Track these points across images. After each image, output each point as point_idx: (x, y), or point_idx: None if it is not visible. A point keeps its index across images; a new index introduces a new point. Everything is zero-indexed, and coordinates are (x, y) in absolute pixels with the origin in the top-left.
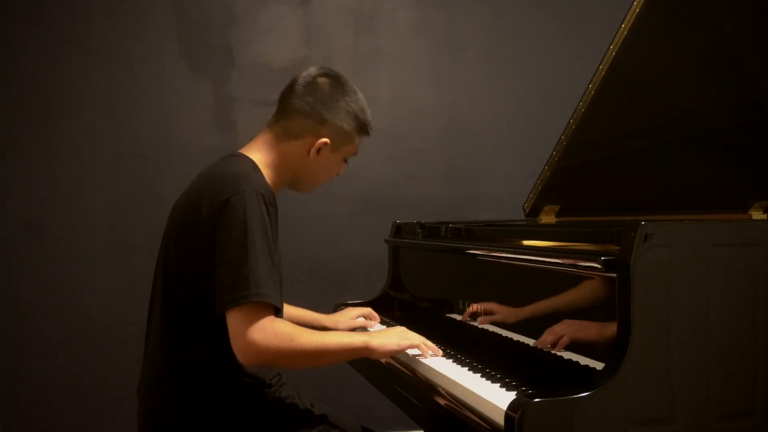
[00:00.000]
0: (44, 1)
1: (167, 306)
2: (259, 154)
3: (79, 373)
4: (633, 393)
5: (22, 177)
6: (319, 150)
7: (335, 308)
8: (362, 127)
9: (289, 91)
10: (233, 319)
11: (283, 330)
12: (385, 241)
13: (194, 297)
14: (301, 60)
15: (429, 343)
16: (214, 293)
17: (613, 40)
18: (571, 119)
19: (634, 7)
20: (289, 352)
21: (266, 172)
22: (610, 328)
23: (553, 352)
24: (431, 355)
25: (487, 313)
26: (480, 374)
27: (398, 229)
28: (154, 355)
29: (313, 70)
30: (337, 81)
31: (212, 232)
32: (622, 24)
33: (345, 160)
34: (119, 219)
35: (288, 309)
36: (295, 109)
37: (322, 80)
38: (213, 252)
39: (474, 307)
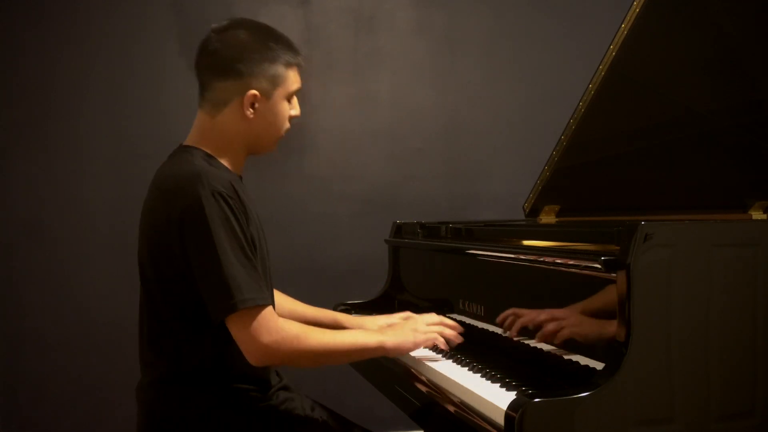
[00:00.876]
0: (44, 1)
1: (153, 312)
2: (202, 140)
3: (79, 373)
4: (633, 393)
5: (22, 177)
6: (253, 105)
7: (335, 308)
8: (288, 61)
9: (196, 64)
10: (234, 327)
11: (289, 330)
12: (385, 241)
13: (178, 304)
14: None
15: (447, 331)
16: (198, 300)
17: (613, 40)
18: (571, 119)
19: (634, 7)
20: (298, 353)
21: (219, 155)
22: (610, 328)
23: (553, 352)
24: (452, 345)
25: (487, 313)
26: (480, 374)
27: (398, 229)
28: (149, 360)
29: (213, 29)
30: (242, 27)
31: (179, 243)
32: (622, 24)
33: (289, 99)
34: (119, 219)
35: (307, 309)
36: (210, 75)
37: (225, 35)
38: (187, 262)
39: (485, 311)
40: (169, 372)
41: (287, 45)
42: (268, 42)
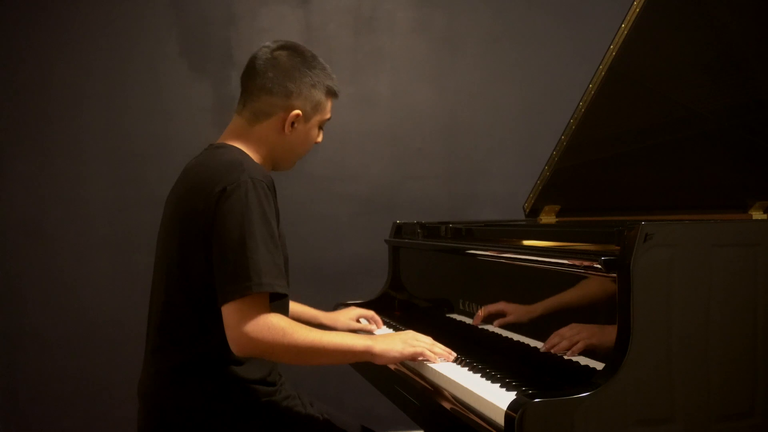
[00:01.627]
0: (44, 1)
1: (168, 305)
2: (238, 142)
3: (78, 373)
4: (633, 393)
5: (22, 177)
6: (293, 123)
7: (335, 308)
8: (330, 91)
9: (249, 72)
10: (228, 311)
11: (276, 324)
12: (385, 241)
13: (195, 294)
14: None
15: (437, 348)
16: (215, 287)
17: (613, 40)
18: (571, 119)
19: (634, 7)
20: (281, 347)
21: (252, 157)
22: (610, 329)
23: (553, 352)
24: (441, 361)
25: (487, 313)
26: (480, 374)
27: (398, 229)
28: (155, 354)
29: (268, 46)
30: (295, 51)
31: (211, 225)
32: (622, 24)
33: (320, 128)
34: (119, 219)
35: (293, 306)
36: (259, 88)
37: (279, 53)
38: (212, 245)
39: (484, 310)
40: (179, 360)
41: (331, 77)
42: (316, 69)
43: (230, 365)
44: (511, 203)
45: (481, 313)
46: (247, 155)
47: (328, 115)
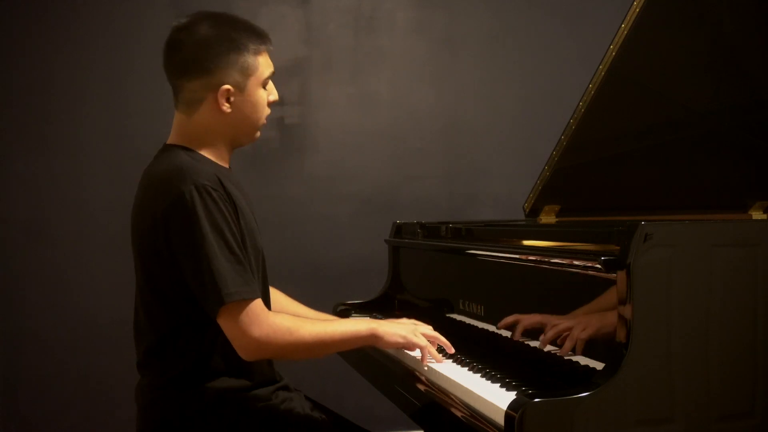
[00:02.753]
0: (44, 1)
1: (148, 314)
2: (183, 139)
3: (79, 373)
4: (633, 393)
5: (22, 177)
6: (228, 99)
7: (335, 308)
8: (251, 46)
9: (164, 63)
10: (223, 324)
11: (280, 323)
12: (385, 241)
13: (170, 306)
14: (301, 60)
15: (439, 341)
16: (190, 300)
17: (613, 40)
18: (571, 119)
19: (634, 7)
20: (291, 345)
21: (202, 152)
22: (610, 329)
23: (553, 352)
24: (443, 359)
25: (488, 313)
26: (480, 374)
27: (398, 229)
28: (144, 369)
29: (171, 30)
30: (191, 25)
31: (165, 242)
32: (622, 24)
33: (265, 86)
34: (119, 219)
35: (296, 308)
36: (178, 77)
37: (181, 35)
38: (174, 260)
39: (487, 312)
40: (167, 373)
41: (252, 31)
42: (231, 33)
43: (223, 371)
44: (511, 203)
45: (484, 314)
46: (195, 154)
47: (268, 72)
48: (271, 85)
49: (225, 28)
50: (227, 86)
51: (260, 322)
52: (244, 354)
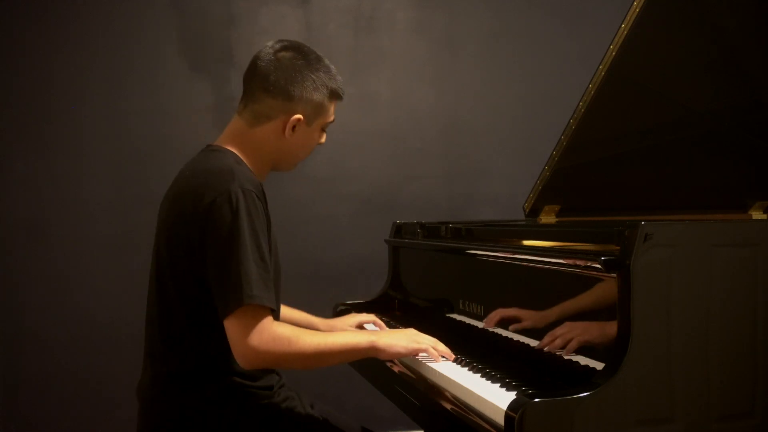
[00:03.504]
0: (44, 1)
1: (163, 308)
2: (234, 144)
3: (79, 373)
4: (633, 393)
5: (22, 177)
6: (294, 127)
7: (335, 308)
8: (333, 94)
9: (251, 73)
10: (230, 326)
11: (281, 333)
12: (385, 241)
13: (189, 299)
14: None
15: (440, 346)
16: (210, 296)
17: (613, 40)
18: (571, 119)
19: (634, 7)
20: (290, 356)
21: (247, 162)
22: (610, 328)
23: (556, 353)
24: (443, 360)
25: (488, 313)
26: (480, 374)
27: (398, 229)
28: (153, 359)
29: (271, 46)
30: (299, 52)
31: (200, 235)
32: (622, 24)
33: (323, 130)
34: (119, 219)
35: (284, 310)
36: (261, 90)
37: (282, 55)
38: (204, 255)
39: (486, 312)
40: (174, 366)
41: (336, 79)
42: (323, 74)
43: (229, 370)
44: (511, 203)
45: (484, 314)
46: (241, 161)
47: (331, 118)
48: (325, 132)
49: (320, 66)
50: (300, 116)
51: (262, 330)
52: (242, 362)
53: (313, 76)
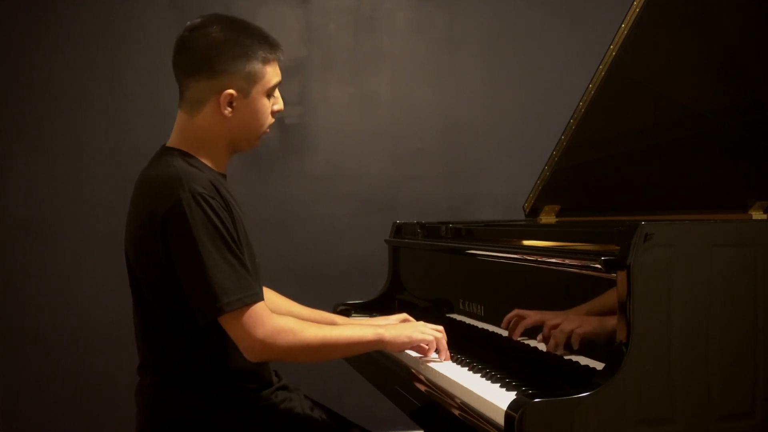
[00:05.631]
0: (44, 1)
1: (146, 319)
2: (182, 140)
3: (79, 373)
4: (633, 393)
5: (22, 177)
6: (230, 104)
7: (335, 308)
8: (264, 57)
9: (174, 59)
10: (228, 326)
11: (285, 326)
12: (385, 241)
13: (170, 307)
14: (301, 60)
15: (444, 341)
16: (188, 304)
17: (613, 40)
18: (571, 119)
19: (634, 7)
20: (295, 347)
21: (199, 154)
22: (611, 329)
23: (553, 352)
24: (444, 359)
25: (487, 313)
26: (480, 374)
27: (398, 229)
28: (145, 369)
29: (186, 27)
30: (214, 25)
31: (164, 250)
32: (622, 24)
33: (270, 95)
34: (119, 219)
35: (302, 310)
36: (185, 75)
37: (196, 34)
38: (172, 265)
39: (487, 312)
40: (168, 373)
41: (263, 39)
42: (242, 38)
43: (223, 373)
44: (511, 203)
45: (484, 314)
46: (191, 157)
47: (274, 81)
48: (277, 94)
49: (237, 32)
50: (230, 91)
51: (264, 323)
52: (249, 355)
53: (233, 45)
